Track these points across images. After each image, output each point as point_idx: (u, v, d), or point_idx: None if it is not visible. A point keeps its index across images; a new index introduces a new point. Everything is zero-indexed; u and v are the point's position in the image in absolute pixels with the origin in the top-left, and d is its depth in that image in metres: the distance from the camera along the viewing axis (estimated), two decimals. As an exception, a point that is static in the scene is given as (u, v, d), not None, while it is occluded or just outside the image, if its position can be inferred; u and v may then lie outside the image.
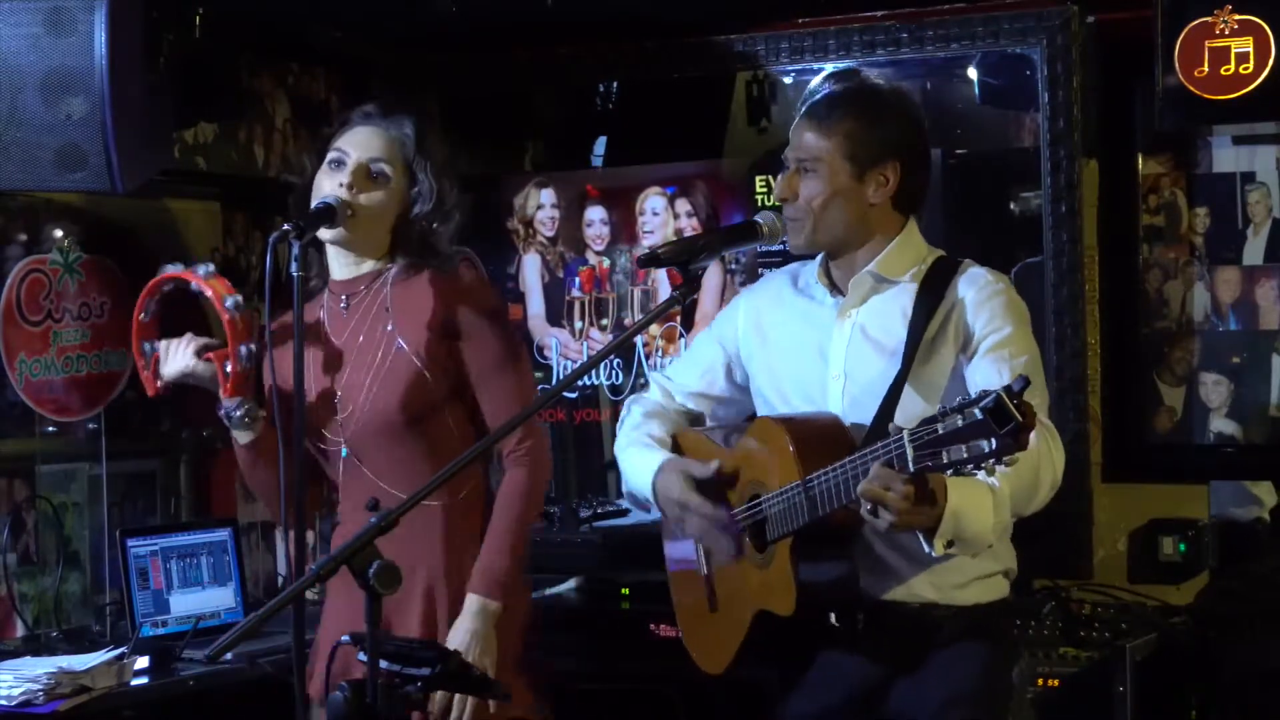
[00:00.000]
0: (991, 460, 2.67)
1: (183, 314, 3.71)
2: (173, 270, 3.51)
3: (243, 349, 3.42)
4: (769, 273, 3.56)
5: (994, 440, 2.65)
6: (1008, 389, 2.65)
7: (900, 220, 3.27)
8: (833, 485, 2.99)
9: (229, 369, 3.43)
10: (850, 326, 3.23)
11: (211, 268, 3.49)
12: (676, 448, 3.40)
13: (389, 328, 3.47)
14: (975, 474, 2.75)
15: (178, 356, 3.46)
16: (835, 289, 3.29)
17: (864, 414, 3.15)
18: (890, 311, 3.22)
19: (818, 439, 3.11)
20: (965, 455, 2.69)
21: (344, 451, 3.49)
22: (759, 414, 3.37)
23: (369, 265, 3.53)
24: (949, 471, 2.75)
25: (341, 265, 3.55)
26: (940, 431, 2.71)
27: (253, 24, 4.58)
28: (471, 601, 3.42)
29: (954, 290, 3.19)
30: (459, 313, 3.48)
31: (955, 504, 2.89)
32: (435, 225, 3.51)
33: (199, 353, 3.44)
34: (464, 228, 3.59)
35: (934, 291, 3.19)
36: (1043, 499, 3.06)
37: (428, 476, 3.23)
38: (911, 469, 2.78)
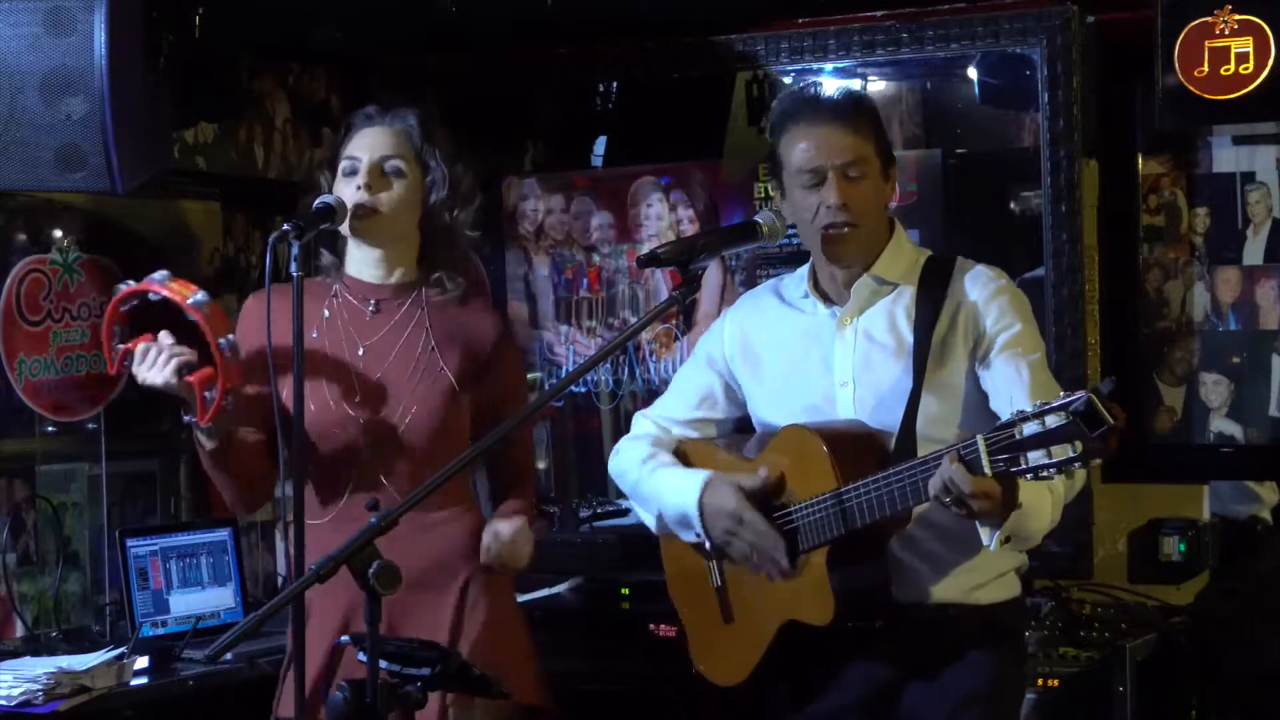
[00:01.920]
0: (1077, 464, 2.65)
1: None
2: (160, 285, 3.36)
3: (224, 341, 3.30)
4: (749, 291, 3.54)
5: (1081, 444, 2.62)
6: (1096, 390, 2.63)
7: (890, 222, 3.27)
8: (880, 496, 2.97)
9: (209, 396, 3.29)
10: (853, 333, 3.21)
11: (203, 298, 3.33)
12: (687, 462, 3.37)
13: (431, 347, 3.50)
14: (1054, 478, 2.73)
15: (156, 370, 3.30)
16: (827, 299, 3.26)
17: (877, 419, 3.14)
18: (892, 314, 3.20)
19: (853, 448, 3.08)
20: (1048, 460, 2.67)
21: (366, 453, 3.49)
22: (759, 430, 3.35)
23: (400, 274, 3.55)
24: (1029, 477, 2.73)
25: (368, 268, 3.55)
26: (1018, 436, 2.69)
27: (253, 24, 4.58)
28: (513, 519, 3.50)
29: (957, 290, 3.17)
30: (494, 346, 3.55)
31: (1023, 502, 2.87)
32: (456, 213, 3.54)
33: (179, 371, 3.29)
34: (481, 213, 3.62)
35: (935, 292, 3.17)
36: (1075, 494, 3.08)
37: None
38: (988, 474, 2.76)
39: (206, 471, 3.52)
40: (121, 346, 3.36)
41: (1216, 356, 4.48)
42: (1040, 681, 4.01)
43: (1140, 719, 3.98)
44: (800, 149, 3.17)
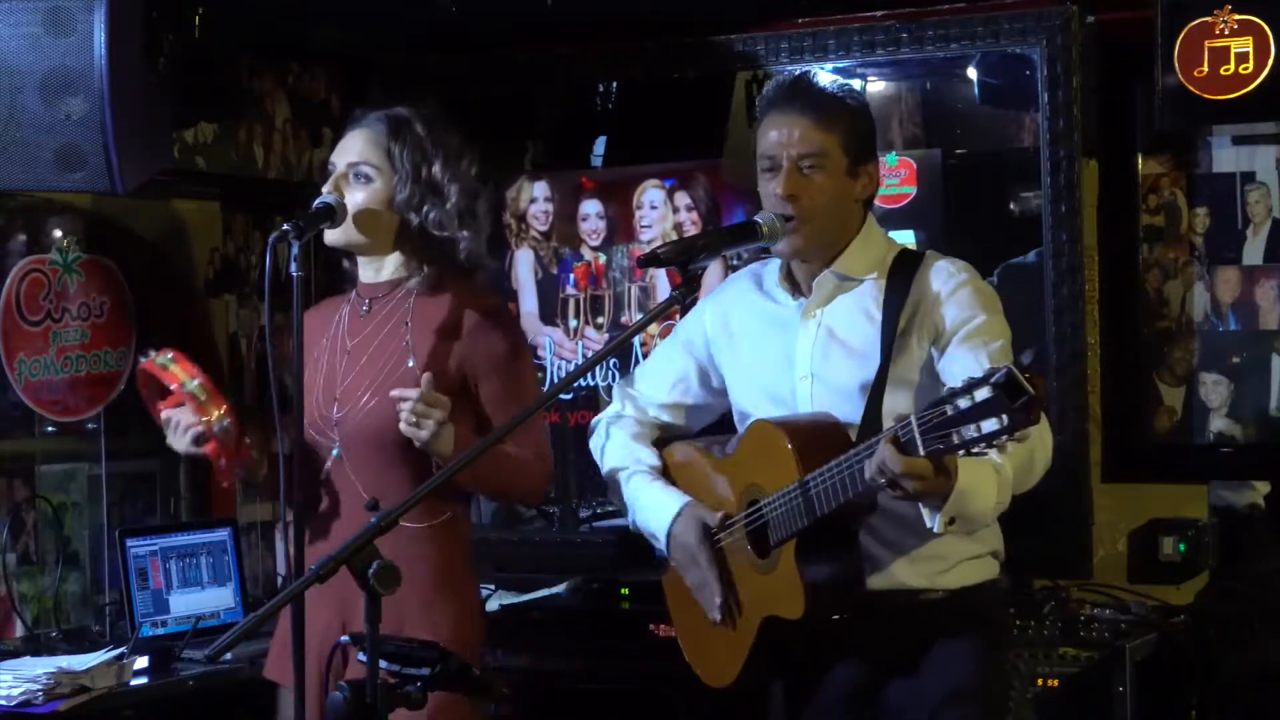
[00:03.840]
0: (1004, 437, 2.66)
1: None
2: (161, 370, 3.47)
3: (218, 426, 3.42)
4: (731, 275, 3.54)
5: (1006, 416, 2.63)
6: (1016, 363, 2.65)
7: (862, 218, 3.27)
8: (834, 483, 2.98)
9: (223, 464, 3.45)
10: (815, 327, 3.22)
11: (195, 385, 3.44)
12: (665, 469, 3.41)
13: (405, 342, 3.48)
14: (987, 453, 2.75)
15: (179, 439, 3.47)
16: (797, 290, 3.27)
17: (835, 414, 3.15)
18: (855, 311, 3.21)
19: (816, 439, 3.09)
20: (977, 434, 2.68)
21: (335, 452, 3.50)
22: (735, 417, 3.36)
23: (389, 272, 3.55)
24: (960, 453, 2.74)
25: (365, 270, 3.58)
26: (949, 413, 2.71)
27: (253, 24, 4.58)
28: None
29: (919, 284, 3.18)
30: (479, 348, 3.47)
31: (963, 483, 2.87)
32: (427, 211, 3.51)
33: (195, 441, 3.43)
34: (468, 212, 3.56)
35: (901, 286, 3.18)
36: (1036, 479, 3.06)
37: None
38: (922, 453, 2.77)
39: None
40: (162, 412, 3.50)
41: (1216, 356, 4.48)
42: (1040, 681, 4.01)
43: (1140, 719, 3.99)
44: (766, 137, 3.20)
